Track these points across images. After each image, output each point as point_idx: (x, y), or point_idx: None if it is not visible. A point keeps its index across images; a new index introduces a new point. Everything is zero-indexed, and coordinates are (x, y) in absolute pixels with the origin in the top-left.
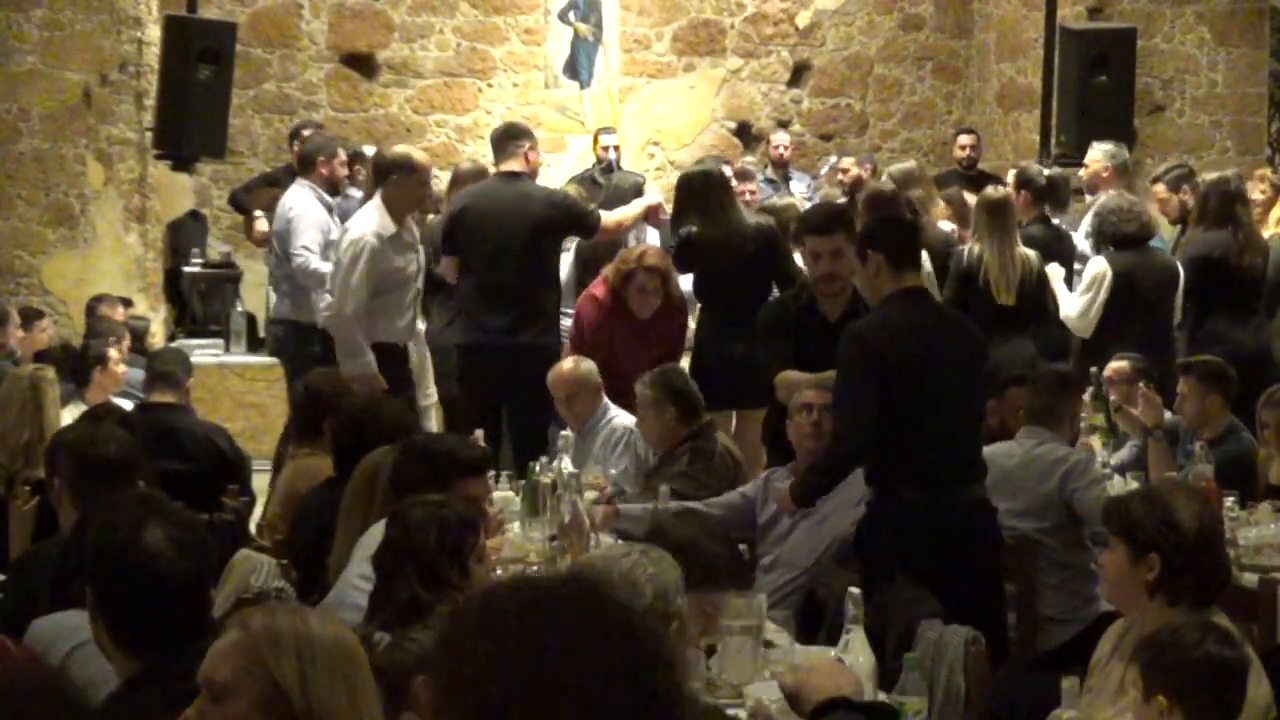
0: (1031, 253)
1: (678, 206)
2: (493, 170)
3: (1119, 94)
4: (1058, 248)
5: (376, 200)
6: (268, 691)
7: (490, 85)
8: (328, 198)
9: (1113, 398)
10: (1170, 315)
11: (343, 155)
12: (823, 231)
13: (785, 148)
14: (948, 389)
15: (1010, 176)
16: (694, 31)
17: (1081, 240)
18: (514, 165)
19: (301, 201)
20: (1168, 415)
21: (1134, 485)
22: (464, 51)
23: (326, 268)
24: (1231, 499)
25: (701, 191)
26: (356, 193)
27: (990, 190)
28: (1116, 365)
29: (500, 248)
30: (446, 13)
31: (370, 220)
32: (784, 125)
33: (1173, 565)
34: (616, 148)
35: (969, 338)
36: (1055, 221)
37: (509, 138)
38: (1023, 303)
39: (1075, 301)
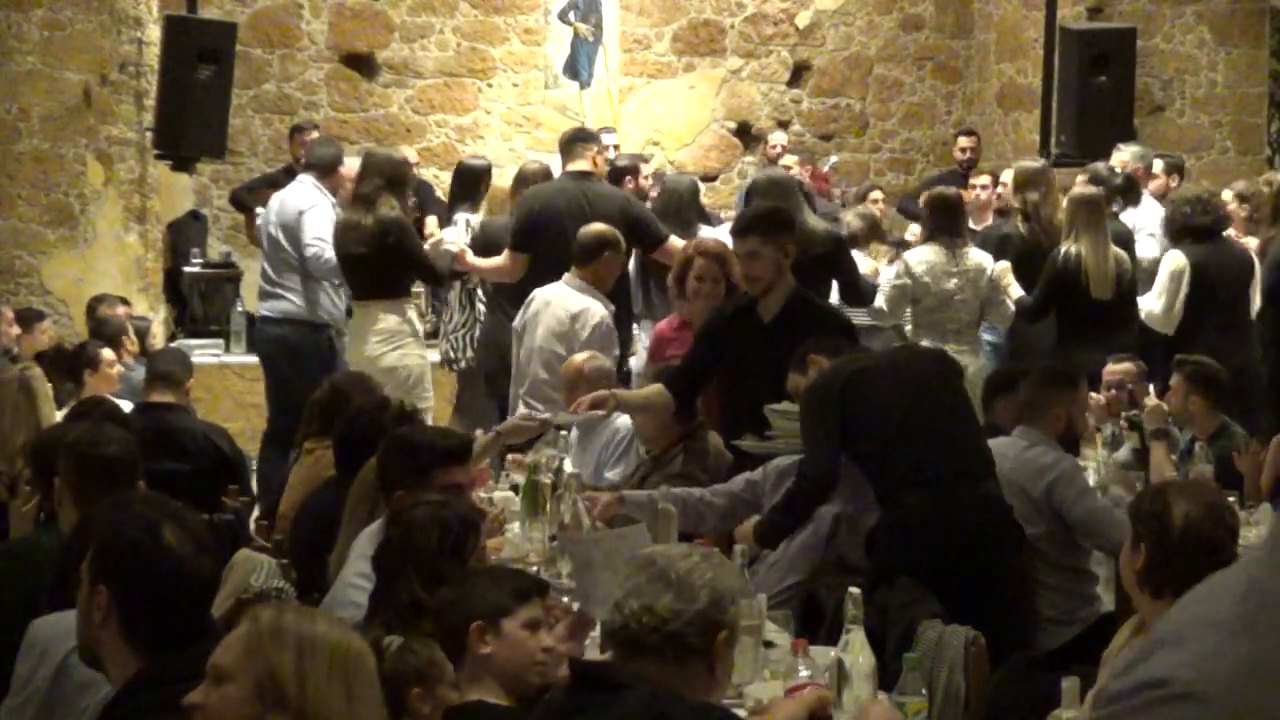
0: (1123, 252)
1: (747, 206)
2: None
3: (1119, 94)
4: (1131, 247)
5: (577, 281)
6: (264, 680)
7: (490, 85)
8: (332, 198)
9: (1103, 400)
10: (1248, 308)
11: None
12: (736, 234)
13: (782, 147)
14: (925, 388)
15: (1078, 180)
16: (694, 31)
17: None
18: (583, 165)
19: (310, 197)
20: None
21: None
22: (464, 51)
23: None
24: (1232, 498)
25: (769, 192)
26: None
27: (1082, 188)
28: (1122, 368)
29: (569, 243)
30: (446, 13)
31: (590, 300)
32: (784, 125)
33: (1155, 558)
34: (616, 147)
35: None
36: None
37: (578, 140)
38: (1117, 301)
39: (1156, 300)
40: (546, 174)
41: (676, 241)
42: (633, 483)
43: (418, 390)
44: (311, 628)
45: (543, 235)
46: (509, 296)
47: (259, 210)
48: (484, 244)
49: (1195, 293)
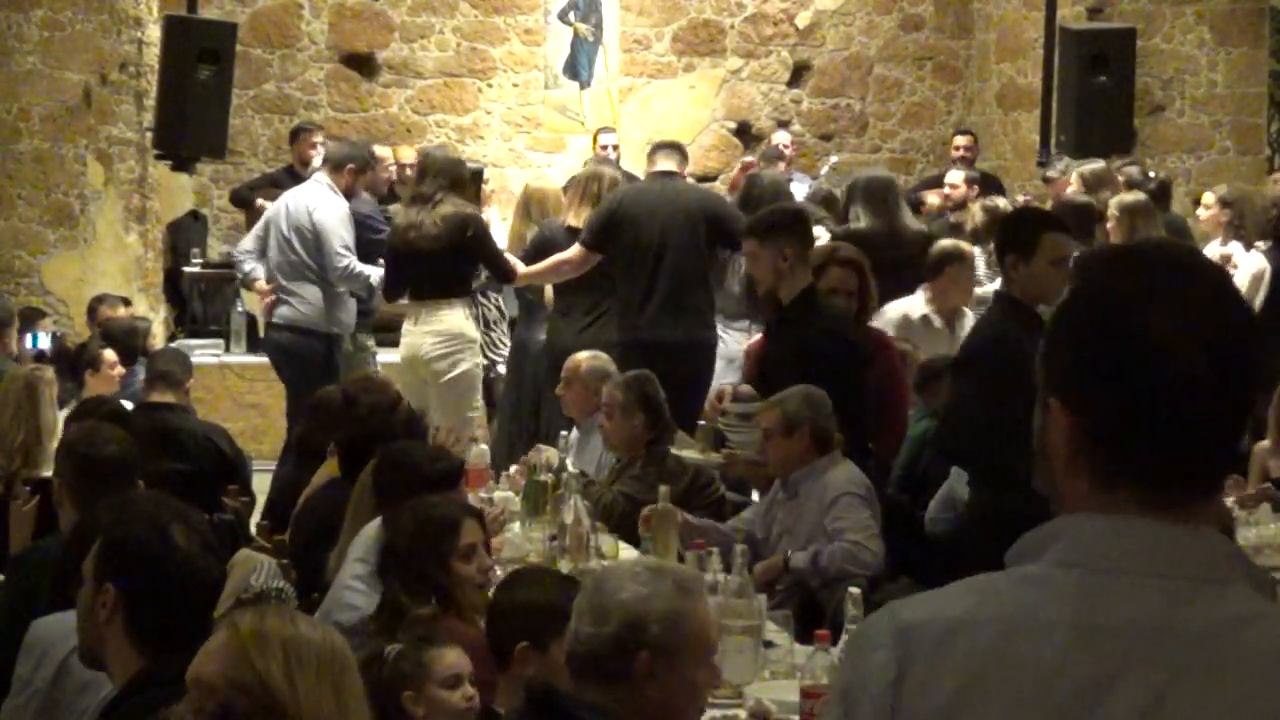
0: None
1: (845, 205)
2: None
3: (1119, 94)
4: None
5: (924, 294)
6: (257, 691)
7: (490, 85)
8: (344, 199)
9: None
10: None
11: (369, 178)
12: (744, 237)
13: (786, 147)
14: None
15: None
16: (694, 31)
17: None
18: (670, 165)
19: (321, 198)
20: None
21: None
22: (464, 51)
23: (370, 270)
24: (1231, 499)
25: (866, 190)
26: (366, 195)
27: (1130, 195)
28: None
29: (654, 242)
30: (446, 13)
31: (929, 311)
32: (784, 125)
33: None
34: (616, 147)
35: None
36: None
37: (669, 147)
38: None
39: None
40: (598, 177)
41: None
42: (602, 486)
43: (469, 397)
44: (295, 631)
45: (619, 235)
46: (575, 301)
47: (263, 202)
48: (539, 248)
49: (1276, 298)
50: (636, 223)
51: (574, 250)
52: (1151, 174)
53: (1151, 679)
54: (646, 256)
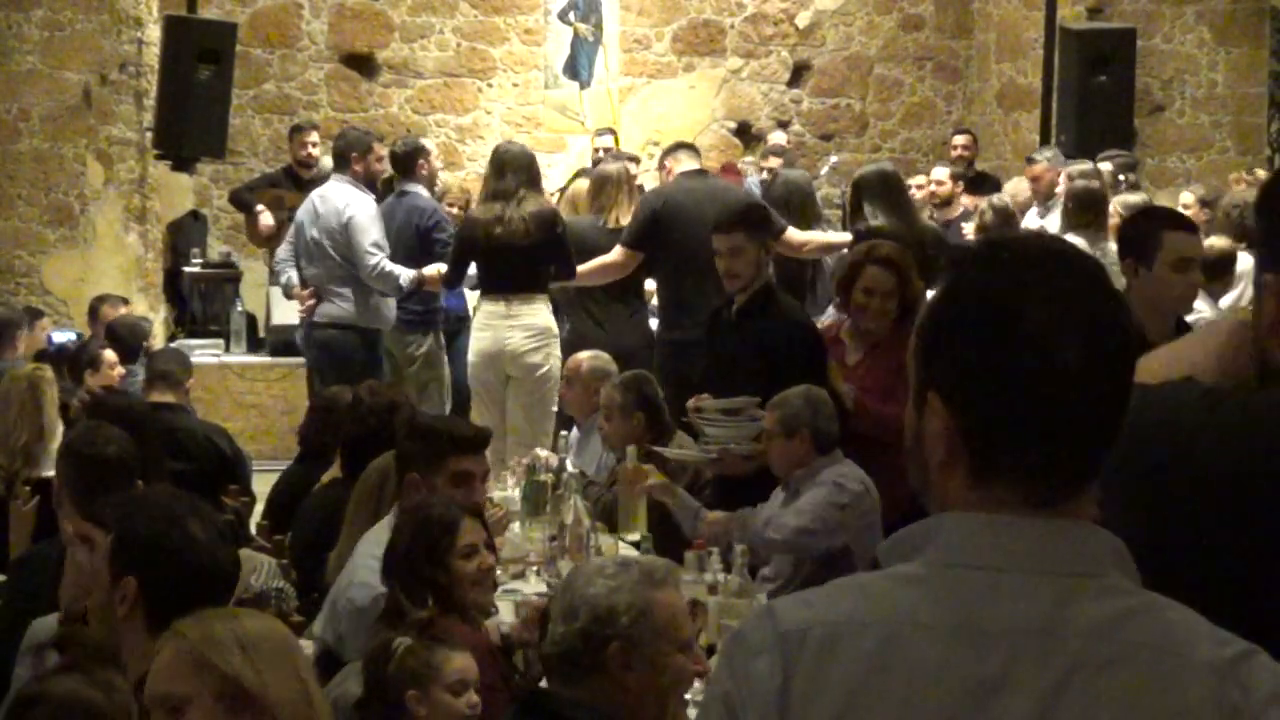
0: None
1: (853, 205)
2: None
3: (1119, 94)
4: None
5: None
6: (223, 688)
7: (490, 85)
8: (368, 192)
9: None
10: None
11: (379, 150)
12: (720, 230)
13: (784, 145)
14: None
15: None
16: (694, 31)
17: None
18: (697, 164)
19: (349, 197)
20: None
21: None
22: (464, 51)
23: (400, 270)
24: None
25: (878, 188)
26: (420, 189)
27: (1131, 195)
28: None
29: (704, 238)
30: (446, 13)
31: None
32: (784, 125)
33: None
34: (608, 149)
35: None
36: None
37: (680, 148)
38: None
39: (1224, 297)
40: (627, 174)
41: (795, 233)
42: (603, 487)
43: (552, 394)
44: (240, 625)
45: (666, 234)
46: (597, 295)
47: (260, 206)
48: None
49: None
50: (682, 221)
51: (616, 253)
52: (1122, 177)
53: (1042, 680)
54: (698, 253)
